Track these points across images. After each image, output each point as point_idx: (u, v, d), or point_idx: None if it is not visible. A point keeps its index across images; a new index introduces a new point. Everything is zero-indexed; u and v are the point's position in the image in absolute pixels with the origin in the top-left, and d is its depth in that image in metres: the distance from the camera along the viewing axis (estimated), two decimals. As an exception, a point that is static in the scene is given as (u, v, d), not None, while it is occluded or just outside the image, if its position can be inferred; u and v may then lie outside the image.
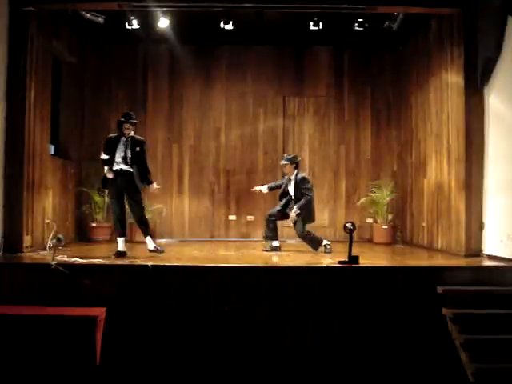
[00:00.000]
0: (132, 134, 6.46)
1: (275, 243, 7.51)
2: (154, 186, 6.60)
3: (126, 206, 6.57)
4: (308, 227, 7.38)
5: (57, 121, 8.62)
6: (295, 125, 9.67)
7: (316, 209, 7.57)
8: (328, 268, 5.80)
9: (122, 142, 6.40)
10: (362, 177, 9.57)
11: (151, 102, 9.53)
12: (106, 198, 8.33)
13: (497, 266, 6.01)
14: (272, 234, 7.52)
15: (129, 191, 6.41)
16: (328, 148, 9.64)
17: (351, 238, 5.90)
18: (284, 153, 8.85)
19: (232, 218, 9.51)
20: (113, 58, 9.47)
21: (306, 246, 7.44)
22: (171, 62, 9.52)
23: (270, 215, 7.52)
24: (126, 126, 6.41)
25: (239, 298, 5.47)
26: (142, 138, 6.67)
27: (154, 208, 8.88)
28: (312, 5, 7.09)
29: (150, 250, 6.44)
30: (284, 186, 7.57)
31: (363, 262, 5.84)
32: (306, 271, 5.74)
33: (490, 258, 6.48)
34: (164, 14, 7.66)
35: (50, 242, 6.18)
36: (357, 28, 7.97)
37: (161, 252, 6.43)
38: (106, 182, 6.48)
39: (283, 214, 7.48)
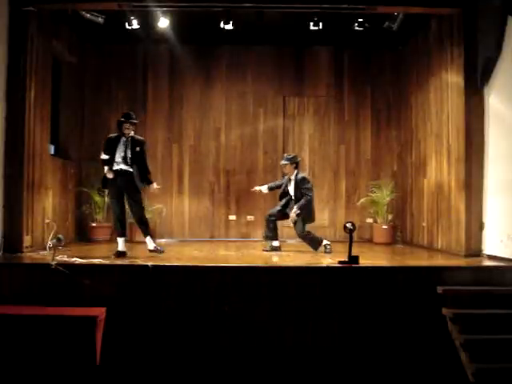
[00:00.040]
0: (132, 134, 6.46)
1: (275, 243, 7.51)
2: (154, 185, 6.60)
3: (126, 206, 6.57)
4: (308, 227, 7.38)
5: (57, 121, 8.62)
6: (295, 125, 9.67)
7: (316, 209, 7.57)
8: (328, 268, 5.80)
9: (122, 142, 6.40)
10: (362, 177, 9.57)
11: (151, 102, 9.53)
12: (106, 198, 8.34)
13: (497, 266, 6.01)
14: (272, 234, 7.52)
15: (129, 191, 6.41)
16: (328, 148, 9.64)
17: (351, 238, 5.90)
18: (284, 153, 8.85)
19: (232, 217, 9.51)
20: (113, 58, 9.47)
21: (306, 246, 7.44)
22: (171, 62, 9.53)
23: (270, 215, 7.53)
24: (126, 126, 6.41)
25: (239, 297, 5.47)
26: (142, 138, 6.67)
27: (153, 208, 8.88)
28: (312, 5, 7.09)
29: (150, 250, 6.44)
30: (284, 185, 7.57)
31: (363, 262, 5.84)
32: (305, 271, 5.74)
33: (490, 258, 6.48)
34: (164, 14, 7.66)
35: (49, 242, 6.18)
36: (357, 28, 7.97)
37: (161, 252, 6.43)
38: (105, 181, 6.48)
39: (283, 214, 7.48)
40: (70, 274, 5.42)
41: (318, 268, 5.87)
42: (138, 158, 6.41)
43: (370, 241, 9.19)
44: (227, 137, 9.58)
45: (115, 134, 6.52)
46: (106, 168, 6.41)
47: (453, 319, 5.27)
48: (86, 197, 8.89)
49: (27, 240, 6.79)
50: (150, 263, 5.62)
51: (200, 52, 9.47)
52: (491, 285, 5.62)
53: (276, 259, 6.79)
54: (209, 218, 9.51)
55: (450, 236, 7.26)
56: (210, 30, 8.48)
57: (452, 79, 7.29)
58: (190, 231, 9.48)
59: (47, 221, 7.45)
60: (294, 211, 7.21)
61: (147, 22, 7.93)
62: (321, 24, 7.97)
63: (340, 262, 5.78)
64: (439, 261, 6.91)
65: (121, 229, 6.48)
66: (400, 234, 9.31)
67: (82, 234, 8.95)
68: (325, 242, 7.29)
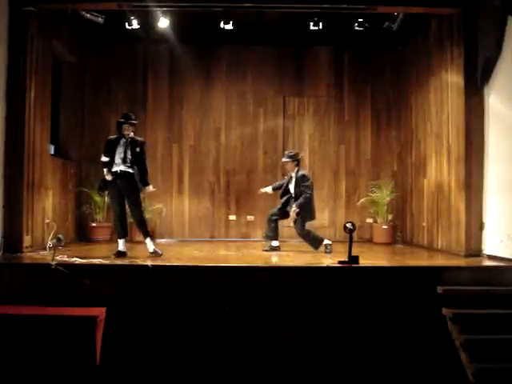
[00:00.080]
0: (132, 134, 6.46)
1: (274, 243, 7.50)
2: (150, 188, 6.60)
3: (127, 206, 6.57)
4: (308, 226, 7.37)
5: (57, 121, 8.63)
6: (295, 125, 9.67)
7: (316, 208, 7.55)
8: (328, 268, 5.80)
9: (121, 143, 6.40)
10: (362, 177, 9.57)
11: (151, 101, 9.53)
12: (106, 198, 8.33)
13: (497, 266, 6.00)
14: (272, 233, 7.52)
15: (128, 193, 6.41)
16: (328, 148, 9.63)
17: (351, 237, 5.90)
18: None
19: (232, 217, 9.51)
20: (113, 58, 9.46)
21: (306, 246, 7.44)
22: (171, 62, 9.52)
23: (272, 214, 7.52)
24: (126, 126, 6.41)
25: (239, 297, 5.47)
26: (141, 138, 6.68)
27: (153, 208, 8.88)
28: (312, 5, 7.08)
29: (151, 253, 6.44)
30: (285, 183, 7.57)
31: (363, 261, 5.84)
32: (305, 271, 5.74)
33: (490, 258, 6.48)
34: (164, 14, 7.66)
35: (50, 242, 6.19)
36: (357, 28, 7.97)
37: (159, 255, 6.43)
38: (105, 183, 6.47)
39: (284, 213, 7.47)
40: (70, 274, 5.42)
41: (318, 268, 5.86)
42: (138, 159, 6.41)
43: (370, 241, 9.19)
44: (227, 137, 9.57)
45: (115, 136, 6.52)
46: (105, 170, 6.40)
47: (453, 319, 5.27)
48: (85, 197, 8.88)
49: (27, 240, 6.79)
50: (149, 263, 5.63)
51: (200, 52, 9.47)
52: (491, 285, 5.62)
53: (276, 259, 6.79)
54: (209, 218, 9.50)
55: (450, 236, 7.26)
56: (209, 30, 8.48)
57: (452, 79, 7.29)
58: (190, 231, 9.47)
59: (47, 221, 7.45)
60: (293, 210, 7.21)
61: (147, 21, 7.93)
62: (321, 24, 7.98)
63: (340, 262, 5.78)
64: (439, 261, 6.90)
65: (121, 229, 6.48)
66: (400, 233, 9.31)
67: (82, 234, 8.95)
68: (326, 241, 7.28)
